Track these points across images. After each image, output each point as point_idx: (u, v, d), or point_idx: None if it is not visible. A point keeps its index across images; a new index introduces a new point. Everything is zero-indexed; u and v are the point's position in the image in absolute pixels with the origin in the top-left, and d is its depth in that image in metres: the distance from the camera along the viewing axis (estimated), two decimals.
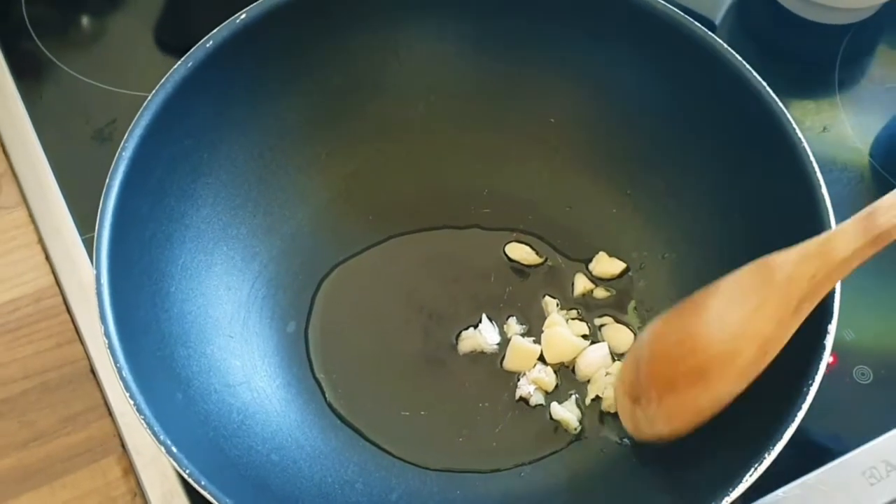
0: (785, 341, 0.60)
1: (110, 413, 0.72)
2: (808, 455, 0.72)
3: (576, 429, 0.72)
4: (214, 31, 0.71)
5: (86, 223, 0.78)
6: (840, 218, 0.63)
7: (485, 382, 0.74)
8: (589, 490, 0.69)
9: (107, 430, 0.72)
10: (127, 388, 0.59)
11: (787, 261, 0.59)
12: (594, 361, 0.74)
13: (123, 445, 0.71)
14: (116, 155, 0.65)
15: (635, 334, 0.75)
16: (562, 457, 0.71)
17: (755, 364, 0.61)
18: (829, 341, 0.62)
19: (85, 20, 0.94)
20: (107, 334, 0.60)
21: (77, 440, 0.71)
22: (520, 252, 0.79)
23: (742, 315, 0.61)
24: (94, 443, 0.71)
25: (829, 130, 0.89)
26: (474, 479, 0.70)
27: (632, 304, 0.77)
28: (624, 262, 0.78)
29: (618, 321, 0.76)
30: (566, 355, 0.74)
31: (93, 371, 0.74)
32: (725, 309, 0.61)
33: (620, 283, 0.78)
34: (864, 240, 0.56)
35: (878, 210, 0.56)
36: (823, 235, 0.58)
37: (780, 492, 0.70)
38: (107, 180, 0.65)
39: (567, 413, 0.72)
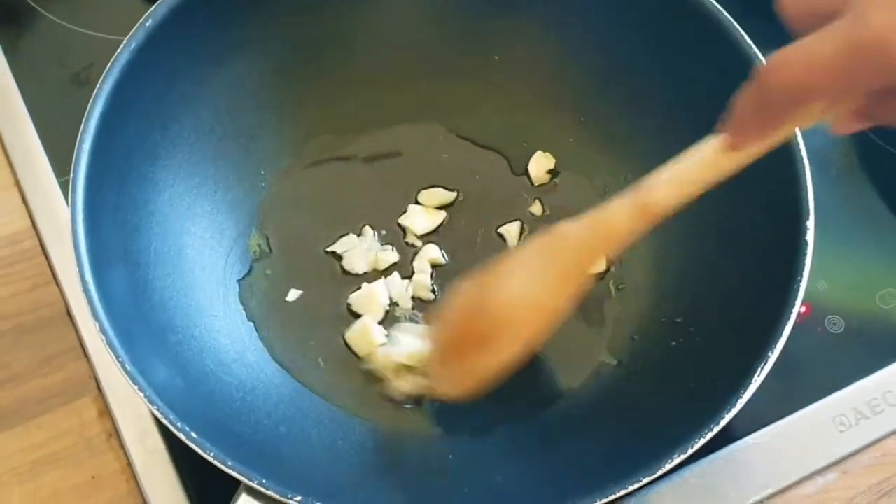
0: (567, 310, 0.61)
1: (86, 355, 0.72)
2: (778, 403, 0.73)
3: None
4: (152, 8, 0.69)
5: (62, 166, 0.78)
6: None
7: None
8: (554, 441, 0.70)
9: (82, 371, 0.72)
10: (134, 381, 0.59)
11: (570, 233, 0.59)
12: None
13: (99, 387, 0.71)
14: (76, 148, 0.64)
15: (608, 258, 0.77)
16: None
17: (538, 330, 0.61)
18: (800, 292, 0.63)
19: None
20: (102, 330, 0.60)
21: (53, 381, 0.72)
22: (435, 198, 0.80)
23: (526, 283, 0.61)
24: (70, 384, 0.72)
25: None
26: None
27: None
28: (589, 187, 0.80)
29: None
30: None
31: (69, 313, 0.74)
32: (512, 277, 0.61)
33: (588, 209, 0.78)
34: (635, 214, 0.56)
35: (649, 187, 0.55)
36: (604, 207, 0.57)
37: (749, 438, 0.71)
38: (71, 177, 0.64)
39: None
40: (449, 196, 0.80)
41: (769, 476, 0.70)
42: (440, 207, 0.80)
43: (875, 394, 0.73)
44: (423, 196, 0.80)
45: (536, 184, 0.81)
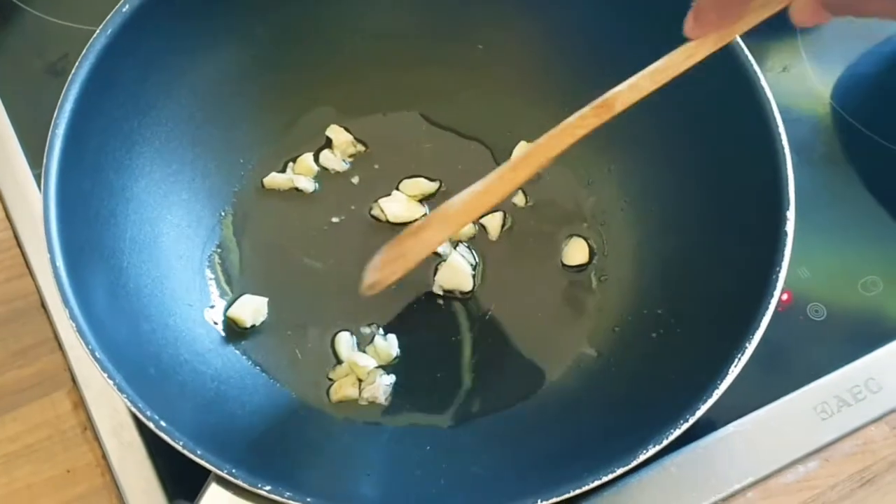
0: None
1: (61, 347, 0.72)
2: (760, 391, 0.72)
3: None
4: None
5: (37, 158, 0.76)
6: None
7: None
8: (532, 432, 0.70)
9: (57, 363, 0.71)
10: (104, 369, 0.58)
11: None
12: None
13: (74, 379, 0.71)
14: (49, 134, 0.64)
15: (591, 248, 0.77)
16: None
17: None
18: (780, 283, 0.62)
19: None
20: (72, 317, 0.59)
21: (27, 374, 0.71)
22: (417, 188, 0.79)
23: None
24: (45, 376, 0.71)
25: (790, 71, 0.88)
26: None
27: (585, 220, 0.78)
28: (573, 177, 0.79)
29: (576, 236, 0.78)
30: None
31: (43, 305, 0.73)
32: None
33: (571, 200, 0.79)
34: (595, 109, 0.61)
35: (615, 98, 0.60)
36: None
37: (731, 426, 0.71)
38: (44, 162, 0.63)
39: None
40: (431, 186, 0.79)
41: (750, 464, 0.69)
42: (423, 199, 0.79)
43: (857, 381, 0.73)
44: (405, 186, 0.79)
45: None
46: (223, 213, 0.77)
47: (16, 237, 0.76)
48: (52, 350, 0.72)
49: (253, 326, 0.73)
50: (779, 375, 0.73)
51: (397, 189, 0.79)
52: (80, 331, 0.59)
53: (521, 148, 0.80)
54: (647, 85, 0.59)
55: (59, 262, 0.61)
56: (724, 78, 0.69)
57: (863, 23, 0.91)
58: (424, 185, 0.79)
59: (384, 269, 0.68)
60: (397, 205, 0.78)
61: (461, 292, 0.75)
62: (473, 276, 0.76)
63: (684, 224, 0.73)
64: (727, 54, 0.68)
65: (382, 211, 0.78)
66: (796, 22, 0.51)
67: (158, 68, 0.72)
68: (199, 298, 0.73)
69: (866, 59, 0.90)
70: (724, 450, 0.70)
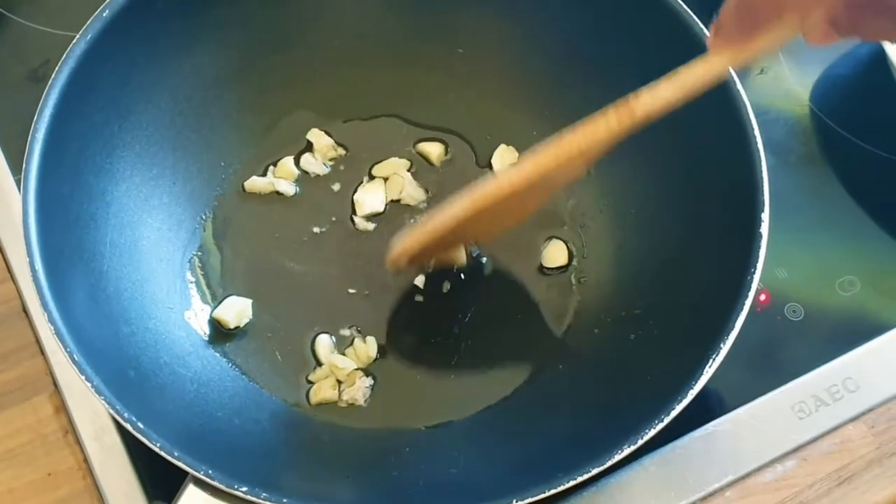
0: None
1: (42, 352, 0.72)
2: (739, 390, 0.72)
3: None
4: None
5: (18, 164, 0.76)
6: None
7: None
8: (510, 434, 0.70)
9: (39, 368, 0.72)
10: (82, 371, 0.59)
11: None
12: None
13: (55, 383, 0.71)
14: (29, 139, 0.64)
15: (570, 250, 0.78)
16: None
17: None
18: (754, 284, 0.63)
19: None
20: (51, 320, 0.59)
21: (8, 378, 0.71)
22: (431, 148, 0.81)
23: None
24: (26, 381, 0.71)
25: (767, 73, 0.89)
26: None
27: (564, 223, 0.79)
28: None
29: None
30: None
31: (25, 310, 0.73)
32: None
33: (551, 202, 0.79)
34: (620, 116, 0.60)
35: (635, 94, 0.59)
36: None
37: (710, 425, 0.71)
38: (23, 167, 0.64)
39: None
40: (403, 163, 0.80)
41: (729, 463, 0.70)
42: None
43: (835, 380, 0.73)
44: (378, 169, 0.80)
45: None
46: (204, 217, 0.77)
47: None
48: (34, 354, 0.72)
49: (237, 328, 0.73)
50: (757, 375, 0.73)
51: (370, 175, 0.80)
52: (58, 334, 0.59)
53: (502, 151, 0.81)
54: (670, 94, 0.59)
55: (39, 266, 0.61)
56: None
57: None
58: (396, 163, 0.80)
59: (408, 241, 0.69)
60: (372, 196, 0.78)
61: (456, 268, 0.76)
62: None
63: (663, 226, 0.74)
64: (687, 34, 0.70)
65: (362, 218, 0.78)
66: (810, 42, 0.53)
67: (139, 72, 0.73)
68: (179, 302, 0.73)
69: (844, 61, 0.90)
70: (703, 449, 0.70)
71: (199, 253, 0.76)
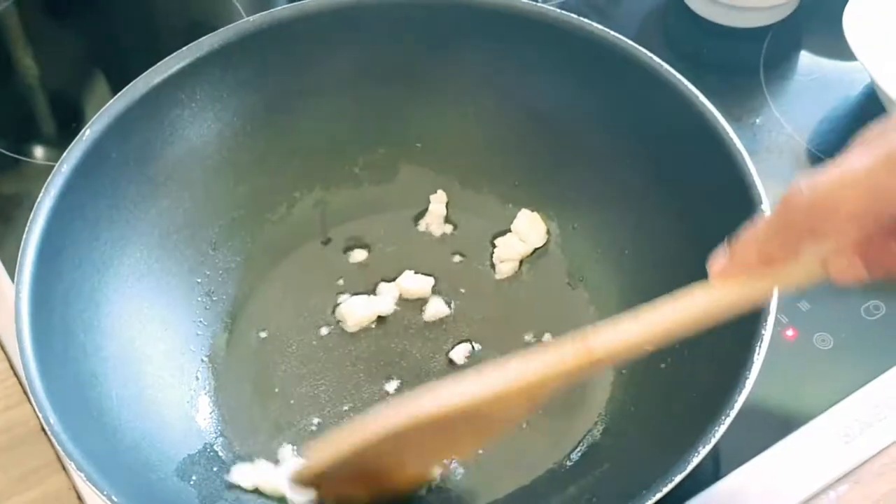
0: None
1: (64, 468, 0.71)
2: (780, 423, 0.70)
3: None
4: (65, 153, 0.69)
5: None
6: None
7: None
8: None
9: (62, 484, 0.70)
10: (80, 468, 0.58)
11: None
12: None
13: (80, 497, 0.69)
14: (14, 299, 0.64)
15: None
16: None
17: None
18: (769, 330, 0.61)
19: None
20: (90, 480, 0.58)
21: (33, 496, 0.70)
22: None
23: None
24: (51, 498, 0.70)
25: (762, 125, 0.90)
26: None
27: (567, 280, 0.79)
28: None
29: None
30: None
31: (44, 429, 0.72)
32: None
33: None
34: (579, 354, 0.55)
35: (592, 335, 0.55)
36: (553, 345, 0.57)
37: (756, 458, 0.69)
38: (14, 328, 0.63)
39: None
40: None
41: (781, 497, 0.67)
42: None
43: (877, 401, 0.71)
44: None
45: None
46: (204, 360, 0.75)
47: (11, 367, 0.75)
48: (56, 471, 0.71)
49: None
50: (796, 407, 0.71)
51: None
52: (94, 483, 0.58)
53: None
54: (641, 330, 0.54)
55: (57, 427, 0.60)
56: (692, 132, 0.71)
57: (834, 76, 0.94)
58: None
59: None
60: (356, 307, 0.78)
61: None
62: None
63: (661, 258, 0.74)
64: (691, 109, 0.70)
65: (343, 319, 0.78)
66: (838, 280, 0.49)
67: (106, 225, 0.72)
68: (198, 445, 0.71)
69: (841, 104, 0.91)
70: (751, 484, 0.68)
71: (207, 392, 0.74)
